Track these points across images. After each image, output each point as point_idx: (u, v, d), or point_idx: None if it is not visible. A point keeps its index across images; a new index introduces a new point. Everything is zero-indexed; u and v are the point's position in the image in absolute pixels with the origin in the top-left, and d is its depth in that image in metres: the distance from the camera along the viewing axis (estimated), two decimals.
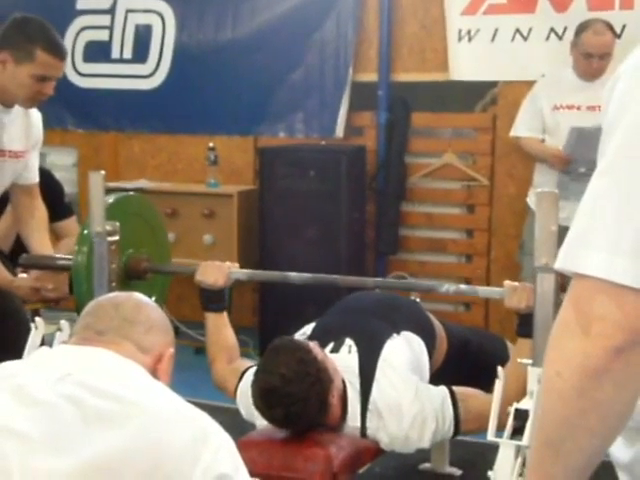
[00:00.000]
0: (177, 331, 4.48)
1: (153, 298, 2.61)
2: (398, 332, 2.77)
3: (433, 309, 3.34)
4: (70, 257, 2.95)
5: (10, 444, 1.31)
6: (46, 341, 2.68)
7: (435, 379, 2.74)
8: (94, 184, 2.87)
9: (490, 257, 4.91)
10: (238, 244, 4.91)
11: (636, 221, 0.97)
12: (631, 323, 0.97)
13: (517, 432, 2.17)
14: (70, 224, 3.92)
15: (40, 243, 3.15)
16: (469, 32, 4.72)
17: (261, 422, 2.55)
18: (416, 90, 4.94)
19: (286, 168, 4.73)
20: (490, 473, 2.14)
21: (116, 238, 2.88)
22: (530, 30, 4.60)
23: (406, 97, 4.93)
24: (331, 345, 2.71)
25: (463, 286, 3.39)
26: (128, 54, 5.49)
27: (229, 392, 2.75)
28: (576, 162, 3.96)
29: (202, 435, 1.37)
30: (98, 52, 5.53)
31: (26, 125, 3.08)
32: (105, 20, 5.50)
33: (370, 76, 4.98)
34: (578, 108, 4.11)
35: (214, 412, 1.46)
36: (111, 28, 5.49)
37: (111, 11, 5.49)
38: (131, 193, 3.45)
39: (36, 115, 3.13)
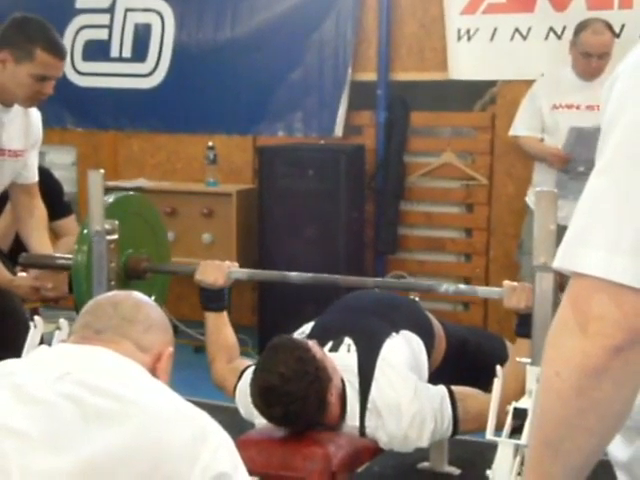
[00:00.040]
0: (176, 330, 4.48)
1: (153, 298, 2.61)
2: (397, 331, 2.77)
3: (432, 308, 3.34)
4: (70, 256, 2.96)
5: (9, 443, 1.31)
6: (45, 340, 2.68)
7: (434, 378, 2.74)
8: (93, 183, 2.87)
9: (489, 256, 4.92)
10: (237, 243, 4.91)
11: (635, 220, 0.97)
12: (630, 322, 0.97)
13: (516, 431, 2.18)
14: (69, 223, 3.92)
15: (39, 242, 3.15)
16: (468, 31, 4.72)
17: (260, 421, 2.55)
18: (415, 89, 4.94)
19: (285, 167, 4.73)
20: (489, 472, 2.14)
21: (115, 237, 2.88)
22: (529, 29, 4.60)
23: (405, 96, 4.93)
24: (330, 344, 2.71)
25: (462, 286, 3.40)
26: (127, 53, 5.48)
27: (228, 391, 2.75)
28: (575, 161, 3.96)
29: (201, 434, 1.37)
30: (97, 51, 5.52)
31: (25, 124, 3.08)
32: (104, 19, 5.50)
33: (369, 75, 4.98)
34: (577, 107, 4.11)
35: (213, 411, 1.47)
36: (110, 27, 5.49)
37: (110, 10, 5.49)
38: (131, 193, 3.44)
39: (35, 114, 3.13)
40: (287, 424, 2.46)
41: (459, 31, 4.74)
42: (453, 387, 2.60)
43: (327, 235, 4.69)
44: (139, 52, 5.44)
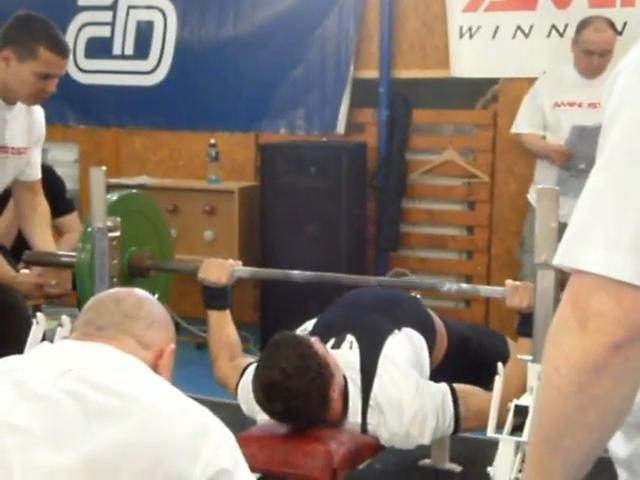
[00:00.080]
0: (178, 327, 4.49)
1: (156, 295, 2.62)
2: (399, 328, 2.77)
3: (434, 306, 3.34)
4: (74, 254, 2.96)
5: (11, 439, 1.31)
6: (47, 337, 2.69)
7: (435, 376, 2.74)
8: (95, 180, 2.87)
9: (491, 254, 4.92)
10: (239, 240, 4.91)
11: (635, 217, 0.98)
12: (630, 319, 0.97)
13: (517, 428, 2.18)
14: (71, 220, 3.93)
15: (42, 239, 3.15)
16: (470, 29, 4.72)
17: (262, 418, 2.56)
18: (417, 87, 4.94)
19: (287, 164, 4.74)
20: (490, 469, 2.15)
21: (117, 234, 2.88)
22: (531, 27, 4.60)
23: (407, 94, 4.93)
24: (332, 341, 2.71)
25: (465, 285, 3.40)
26: (130, 50, 5.49)
27: (230, 389, 2.75)
28: (576, 158, 3.97)
29: (203, 430, 1.38)
30: (100, 48, 5.53)
31: (29, 122, 3.08)
32: (107, 16, 5.51)
33: (371, 73, 4.98)
34: (579, 105, 4.11)
35: (215, 408, 1.47)
36: (113, 24, 5.50)
37: (113, 7, 5.49)
38: (134, 191, 3.45)
39: (38, 112, 3.14)
40: (289, 420, 2.47)
41: (461, 29, 4.74)
42: (455, 385, 2.60)
43: (329, 232, 4.69)
44: (141, 49, 5.44)
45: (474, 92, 4.82)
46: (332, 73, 5.02)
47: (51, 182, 3.60)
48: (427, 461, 3.27)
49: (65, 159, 5.62)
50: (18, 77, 2.86)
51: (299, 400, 2.39)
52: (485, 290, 3.07)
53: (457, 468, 3.26)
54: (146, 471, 1.31)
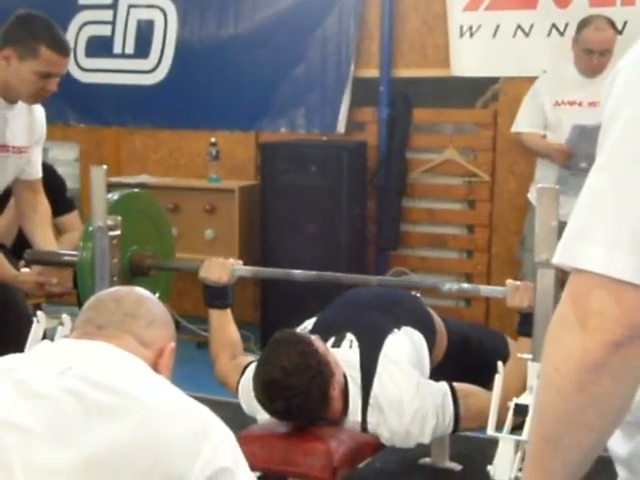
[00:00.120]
0: (178, 325, 4.49)
1: (157, 294, 2.62)
2: (399, 327, 2.78)
3: (434, 304, 3.35)
4: (75, 253, 2.96)
5: (11, 437, 1.31)
6: (48, 335, 2.69)
7: (435, 375, 2.75)
8: (96, 179, 2.87)
9: (491, 253, 4.92)
10: (240, 239, 4.92)
11: (634, 216, 0.98)
12: (630, 318, 0.97)
13: (517, 427, 2.18)
14: (72, 219, 3.93)
15: (43, 238, 3.16)
16: (470, 28, 4.72)
17: (262, 416, 2.56)
18: (417, 86, 4.94)
19: (287, 163, 4.74)
20: (490, 468, 2.15)
21: (118, 233, 2.89)
22: (532, 26, 4.60)
23: (407, 93, 4.93)
24: (332, 340, 2.71)
25: (465, 285, 3.40)
26: (130, 49, 5.49)
27: (231, 387, 2.76)
28: (577, 157, 3.97)
29: (203, 429, 1.38)
30: (100, 47, 5.53)
31: (29, 121, 3.08)
32: (107, 15, 5.50)
33: (371, 72, 4.98)
34: (579, 104, 4.11)
35: (215, 407, 1.47)
36: (113, 23, 5.49)
37: (113, 6, 5.49)
38: (135, 190, 3.45)
39: (39, 111, 3.14)
40: (289, 418, 2.47)
41: (461, 28, 4.74)
42: (455, 384, 2.60)
43: (329, 231, 4.69)
44: (142, 48, 5.44)
45: (474, 91, 4.82)
46: (332, 72, 5.02)
47: (52, 181, 3.60)
48: (427, 460, 3.28)
49: (66, 158, 5.62)
50: (19, 76, 2.86)
51: (299, 398, 2.39)
52: (485, 290, 3.07)
53: (457, 467, 3.26)
54: (145, 470, 1.31)
